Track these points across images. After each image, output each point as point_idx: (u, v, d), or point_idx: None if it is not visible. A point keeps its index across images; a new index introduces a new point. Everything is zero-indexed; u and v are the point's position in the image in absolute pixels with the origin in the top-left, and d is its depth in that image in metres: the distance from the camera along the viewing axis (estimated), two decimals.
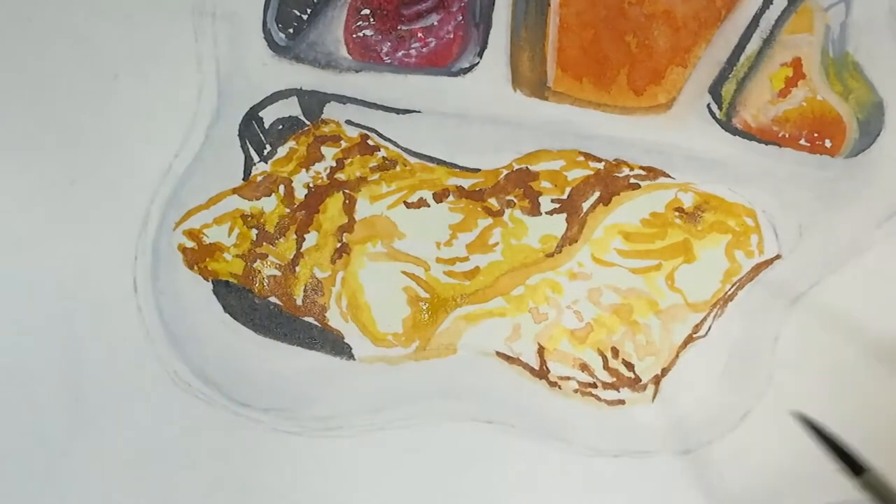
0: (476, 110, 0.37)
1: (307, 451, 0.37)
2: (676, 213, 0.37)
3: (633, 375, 0.37)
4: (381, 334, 0.37)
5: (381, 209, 0.37)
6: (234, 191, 0.37)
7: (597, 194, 0.37)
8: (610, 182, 0.37)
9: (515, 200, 0.37)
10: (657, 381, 0.37)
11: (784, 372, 0.37)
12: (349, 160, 0.37)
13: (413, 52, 0.37)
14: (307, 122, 0.37)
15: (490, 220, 0.37)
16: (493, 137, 0.37)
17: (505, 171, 0.37)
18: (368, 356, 0.37)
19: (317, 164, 0.37)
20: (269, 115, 0.37)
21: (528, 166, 0.37)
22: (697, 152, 0.37)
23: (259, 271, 0.37)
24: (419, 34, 0.36)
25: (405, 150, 0.37)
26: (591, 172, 0.37)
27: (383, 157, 0.37)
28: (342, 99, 0.37)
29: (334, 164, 0.37)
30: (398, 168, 0.37)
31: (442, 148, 0.37)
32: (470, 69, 0.37)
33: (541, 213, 0.37)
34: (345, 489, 0.37)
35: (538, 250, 0.37)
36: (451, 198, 0.37)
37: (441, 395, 0.37)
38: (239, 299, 0.37)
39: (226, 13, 0.36)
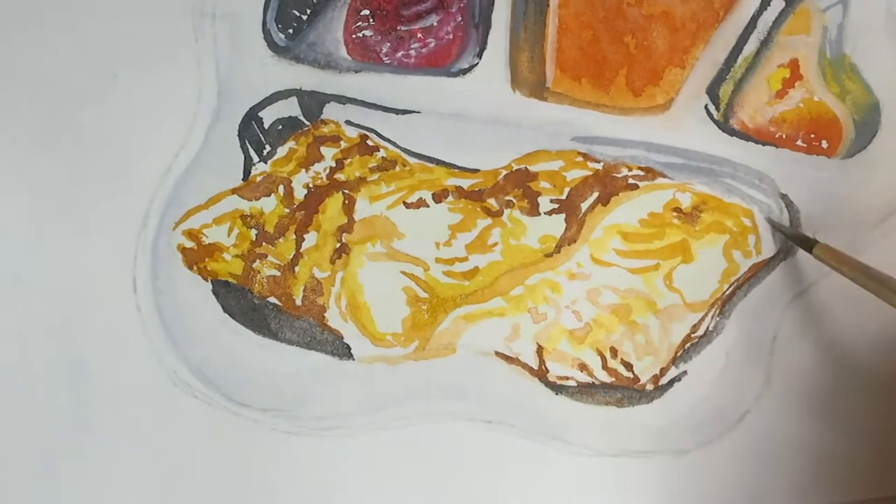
0: (475, 111, 0.37)
1: (307, 451, 0.37)
2: (674, 214, 0.38)
3: (631, 375, 0.38)
4: (381, 334, 0.37)
5: (380, 209, 0.37)
6: (234, 191, 0.37)
7: (595, 195, 0.37)
8: (608, 182, 0.37)
9: (514, 201, 0.37)
10: (656, 380, 0.38)
11: (782, 372, 0.37)
12: (349, 160, 0.37)
13: (412, 52, 0.37)
14: (307, 123, 0.37)
15: (489, 221, 0.37)
16: (492, 138, 0.37)
17: (504, 172, 0.37)
18: (368, 356, 0.37)
19: (316, 164, 0.37)
20: (268, 116, 0.37)
21: (527, 167, 0.37)
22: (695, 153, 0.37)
23: (258, 271, 0.37)
24: (418, 35, 0.37)
25: (404, 150, 0.37)
26: (590, 173, 0.37)
27: (383, 157, 0.37)
28: (342, 99, 0.37)
29: (334, 165, 0.37)
30: (397, 168, 0.37)
31: (441, 148, 0.37)
32: (469, 70, 0.37)
33: (540, 214, 0.37)
34: (344, 489, 0.37)
35: (537, 250, 0.37)
36: (450, 198, 0.37)
37: (440, 395, 0.37)
38: (238, 299, 0.37)
39: (226, 13, 0.36)
